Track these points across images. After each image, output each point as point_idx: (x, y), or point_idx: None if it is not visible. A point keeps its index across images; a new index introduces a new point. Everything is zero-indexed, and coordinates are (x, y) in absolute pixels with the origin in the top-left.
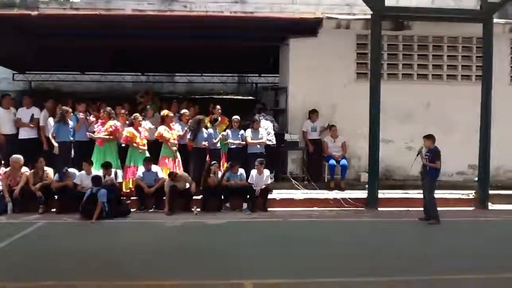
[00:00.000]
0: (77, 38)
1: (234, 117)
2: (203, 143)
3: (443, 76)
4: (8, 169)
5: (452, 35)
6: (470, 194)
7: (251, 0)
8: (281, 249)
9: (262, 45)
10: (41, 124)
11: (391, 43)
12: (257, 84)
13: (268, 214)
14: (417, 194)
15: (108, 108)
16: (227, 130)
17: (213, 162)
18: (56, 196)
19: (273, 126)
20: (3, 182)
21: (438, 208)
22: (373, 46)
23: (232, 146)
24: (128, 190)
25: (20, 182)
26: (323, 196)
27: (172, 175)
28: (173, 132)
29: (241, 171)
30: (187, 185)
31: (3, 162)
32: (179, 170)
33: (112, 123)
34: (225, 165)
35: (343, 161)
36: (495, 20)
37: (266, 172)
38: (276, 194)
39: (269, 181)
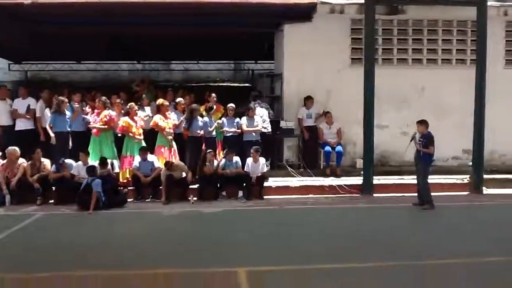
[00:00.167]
0: (72, 25)
1: (229, 105)
2: (199, 131)
3: (437, 60)
4: (5, 161)
5: (447, 19)
6: (465, 179)
7: None
8: (277, 237)
9: (257, 31)
10: (37, 115)
11: (386, 28)
12: (254, 71)
13: (264, 202)
14: (413, 179)
15: (103, 98)
16: (223, 118)
17: (208, 151)
18: (53, 188)
19: (269, 113)
20: (0, 174)
21: (433, 193)
22: (367, 31)
23: (228, 134)
24: (125, 180)
25: (18, 174)
26: (318, 183)
27: (168, 165)
28: (169, 121)
29: (237, 159)
30: (184, 174)
31: (0, 154)
32: (175, 159)
33: (106, 112)
34: (221, 153)
35: (339, 148)
36: (489, 3)
37: (262, 160)
38: (272, 182)
39: (265, 169)
